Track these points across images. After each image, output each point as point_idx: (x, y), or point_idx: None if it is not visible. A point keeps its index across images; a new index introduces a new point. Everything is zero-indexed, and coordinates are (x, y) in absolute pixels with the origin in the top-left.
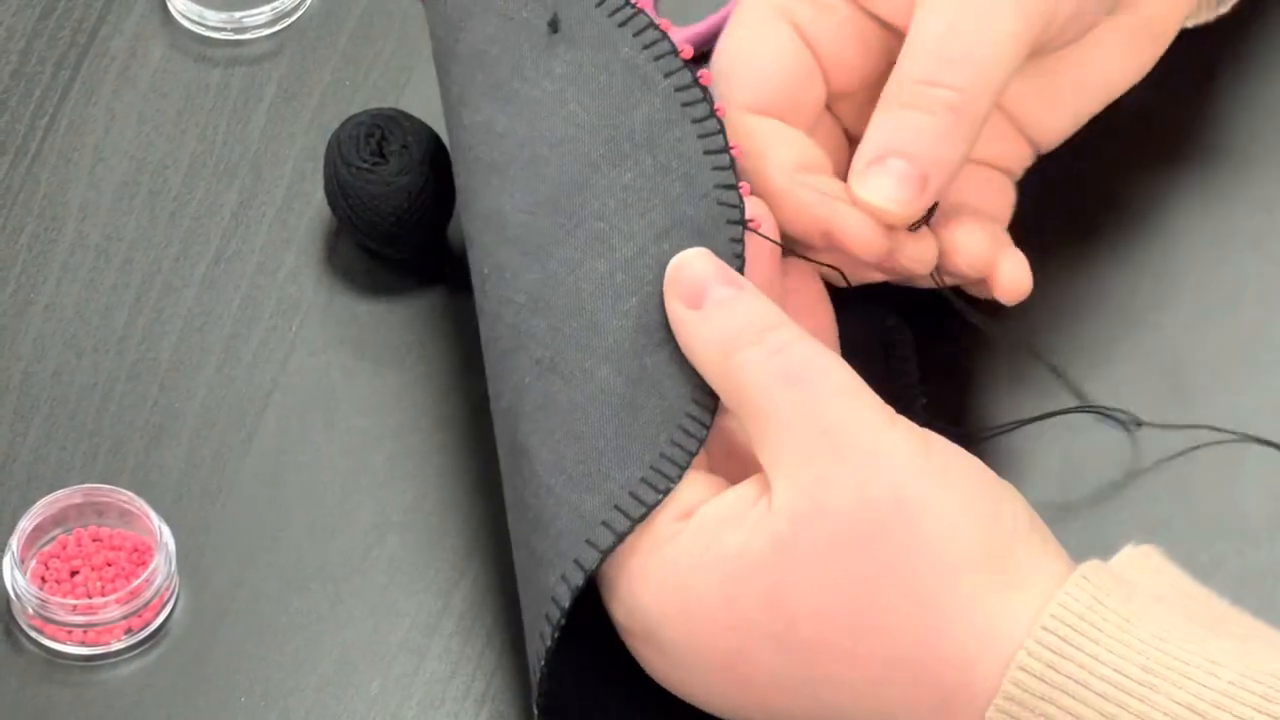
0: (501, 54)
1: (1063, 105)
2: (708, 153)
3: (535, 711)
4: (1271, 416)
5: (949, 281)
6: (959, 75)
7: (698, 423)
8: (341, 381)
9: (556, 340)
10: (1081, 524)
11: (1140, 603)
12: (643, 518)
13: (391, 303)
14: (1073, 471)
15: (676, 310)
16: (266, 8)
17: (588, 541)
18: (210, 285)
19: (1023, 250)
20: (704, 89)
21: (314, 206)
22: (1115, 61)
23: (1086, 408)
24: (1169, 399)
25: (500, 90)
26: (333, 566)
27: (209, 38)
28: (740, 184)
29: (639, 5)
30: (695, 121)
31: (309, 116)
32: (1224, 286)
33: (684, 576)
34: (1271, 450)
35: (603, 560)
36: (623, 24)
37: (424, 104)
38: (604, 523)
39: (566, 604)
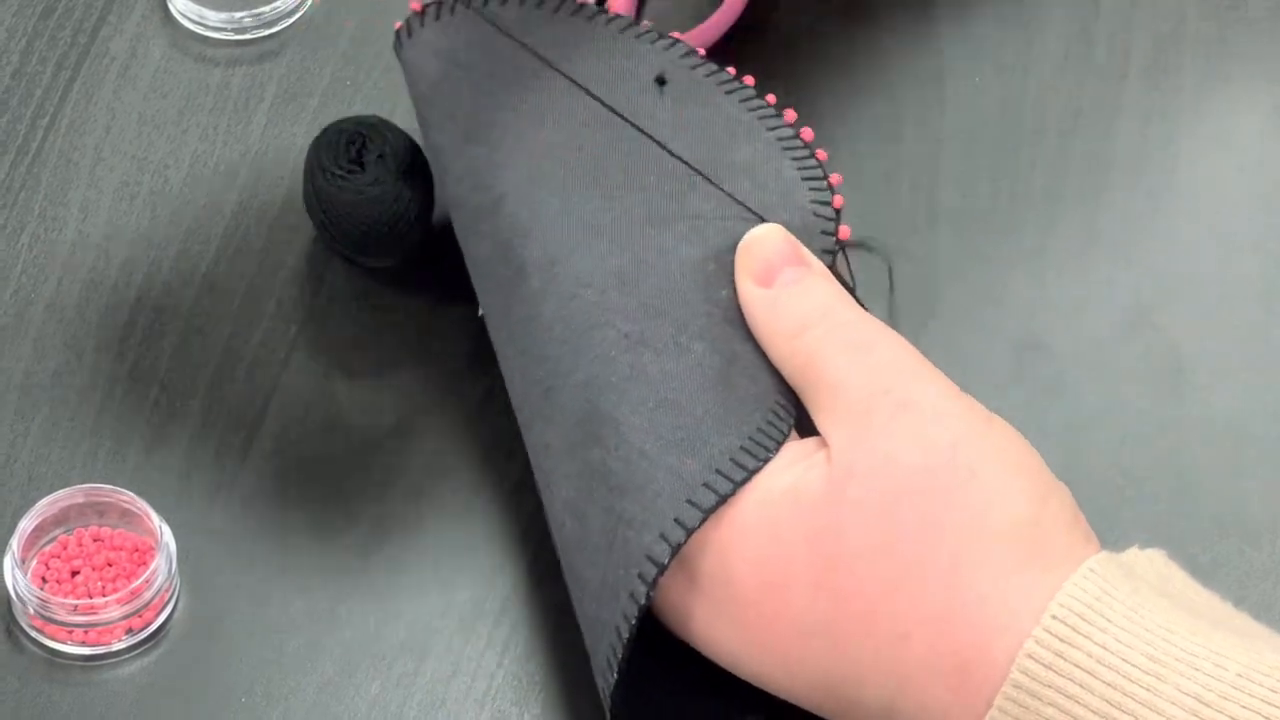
0: (598, 87)
1: None
2: (806, 178)
3: (613, 676)
4: (1271, 417)
5: None
6: None
7: (786, 410)
8: (342, 383)
9: (647, 316)
10: None
11: (1147, 595)
12: (744, 481)
13: (392, 304)
14: (1071, 471)
15: (747, 288)
16: (267, 8)
17: (689, 501)
18: (211, 286)
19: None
20: (807, 145)
21: None
22: None
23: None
24: (1169, 399)
25: (596, 115)
26: (333, 567)
27: (209, 38)
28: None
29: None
30: (795, 159)
31: (309, 117)
32: (1225, 287)
33: (730, 506)
34: (1272, 449)
35: (704, 520)
36: (730, 92)
37: None
38: (706, 484)
39: (666, 561)
